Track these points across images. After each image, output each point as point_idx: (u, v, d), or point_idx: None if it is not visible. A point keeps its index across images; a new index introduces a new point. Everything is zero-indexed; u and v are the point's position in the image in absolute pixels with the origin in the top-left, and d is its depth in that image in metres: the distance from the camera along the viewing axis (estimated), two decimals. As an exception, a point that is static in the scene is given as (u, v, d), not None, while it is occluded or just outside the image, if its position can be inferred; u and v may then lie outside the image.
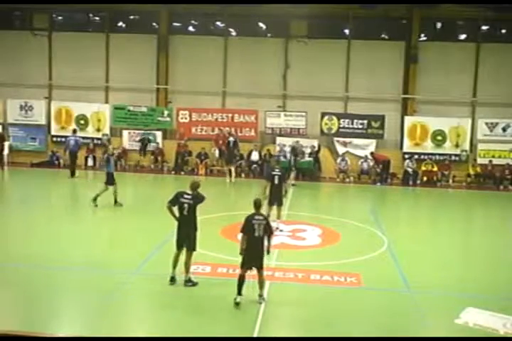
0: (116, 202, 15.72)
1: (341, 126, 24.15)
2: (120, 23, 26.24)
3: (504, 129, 23.51)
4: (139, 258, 11.00)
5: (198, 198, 9.66)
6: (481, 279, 10.57)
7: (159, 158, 24.37)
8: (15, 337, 7.26)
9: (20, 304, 8.73)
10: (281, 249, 11.97)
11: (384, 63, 24.40)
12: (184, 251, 9.60)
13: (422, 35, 24.66)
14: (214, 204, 16.89)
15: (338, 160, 23.29)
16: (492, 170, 23.05)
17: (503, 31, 24.81)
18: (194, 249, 9.61)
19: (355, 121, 24.13)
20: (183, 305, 8.87)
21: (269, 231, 9.08)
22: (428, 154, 23.71)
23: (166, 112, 24.97)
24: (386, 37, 25.35)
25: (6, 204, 16.76)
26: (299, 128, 24.29)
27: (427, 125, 23.79)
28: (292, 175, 20.89)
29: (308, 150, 23.19)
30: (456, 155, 23.61)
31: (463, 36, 25.12)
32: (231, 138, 23.38)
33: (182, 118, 24.74)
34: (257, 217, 9.06)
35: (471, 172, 23.09)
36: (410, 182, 22.65)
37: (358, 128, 24.06)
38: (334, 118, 24.22)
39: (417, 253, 12.32)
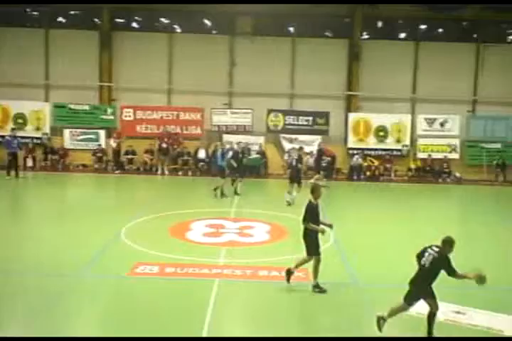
0: None
1: (287, 122, 24.43)
2: (60, 19, 25.56)
3: (442, 124, 24.37)
4: (83, 260, 10.77)
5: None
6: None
7: (104, 158, 23.98)
8: (15, 337, 7.39)
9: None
10: (229, 246, 12.02)
11: (328, 61, 24.81)
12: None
13: (365, 33, 25.20)
14: (162, 203, 16.89)
15: (285, 156, 23.50)
16: (431, 163, 23.88)
17: (440, 30, 25.63)
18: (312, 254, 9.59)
19: (301, 117, 24.46)
20: (131, 306, 8.77)
21: None
22: (371, 149, 24.31)
23: (109, 110, 24.55)
24: (330, 35, 25.75)
25: None
26: (245, 126, 24.41)
27: (370, 121, 24.39)
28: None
29: (254, 147, 23.32)
30: (397, 150, 24.31)
31: (403, 35, 25.82)
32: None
33: (126, 116, 24.40)
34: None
35: (412, 166, 23.87)
36: (355, 177, 23.17)
37: (304, 125, 24.40)
38: (280, 115, 24.46)
39: (363, 246, 12.60)
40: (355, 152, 24.02)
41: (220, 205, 16.80)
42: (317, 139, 24.15)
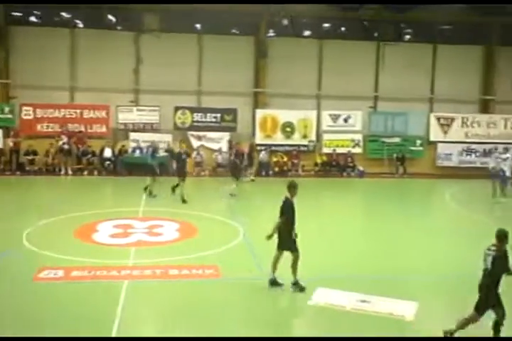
0: None
1: (195, 119, 24.33)
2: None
3: (345, 120, 25.25)
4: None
5: None
6: (329, 260, 11.23)
7: (2, 158, 22.74)
8: (15, 337, 7.09)
9: None
10: (138, 246, 11.79)
11: (235, 58, 24.95)
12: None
13: (271, 31, 25.54)
14: (66, 205, 16.24)
15: (193, 154, 23.39)
16: (336, 158, 24.69)
17: (343, 29, 26.49)
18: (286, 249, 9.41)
19: (209, 114, 24.45)
20: (36, 312, 8.39)
21: None
22: (279, 145, 24.73)
23: (6, 108, 23.29)
24: (237, 32, 25.87)
25: None
26: (152, 123, 24.04)
27: (277, 117, 24.81)
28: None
29: (162, 146, 23.01)
30: (304, 145, 24.91)
31: (308, 33, 26.43)
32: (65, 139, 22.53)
33: (26, 114, 23.26)
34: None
35: (318, 161, 24.58)
36: (263, 173, 23.49)
37: (212, 122, 24.41)
38: (188, 112, 24.32)
39: (272, 241, 12.75)
40: (262, 148, 24.34)
41: (128, 205, 16.43)
42: (226, 136, 24.24)
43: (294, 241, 9.35)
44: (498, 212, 17.83)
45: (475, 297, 9.84)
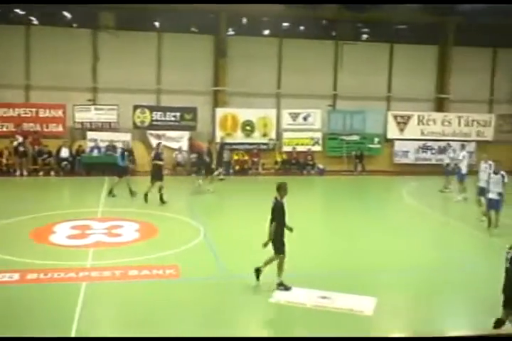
0: None
1: (154, 118, 24.09)
2: None
3: (305, 118, 25.45)
4: None
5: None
6: (289, 258, 11.26)
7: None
8: (15, 338, 6.95)
9: None
10: (96, 247, 11.62)
11: (195, 56, 24.80)
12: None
13: (230, 29, 25.49)
14: (21, 206, 15.81)
15: (153, 153, 23.07)
16: (296, 156, 24.87)
17: (302, 28, 26.66)
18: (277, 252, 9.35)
19: (168, 113, 24.25)
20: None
21: None
22: (239, 144, 24.73)
23: (-44, 108, 22.57)
24: (196, 30, 25.72)
25: None
26: (110, 122, 23.68)
27: (237, 116, 24.79)
28: None
29: (120, 145, 22.70)
30: (264, 144, 24.98)
31: (267, 31, 26.49)
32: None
33: (-23, 114, 22.59)
34: None
35: (278, 159, 24.70)
36: (224, 172, 23.40)
37: (171, 121, 24.22)
38: (147, 111, 24.06)
39: (232, 240, 12.78)
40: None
41: (87, 205, 16.18)
42: (185, 135, 24.10)
43: (283, 243, 9.37)
44: (452, 208, 18.29)
45: (432, 291, 10.08)
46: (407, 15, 24.59)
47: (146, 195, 16.24)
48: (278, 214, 9.31)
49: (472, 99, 26.98)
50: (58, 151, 22.54)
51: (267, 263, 9.47)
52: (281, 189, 9.44)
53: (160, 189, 16.36)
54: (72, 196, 19.81)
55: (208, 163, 19.13)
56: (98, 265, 10.49)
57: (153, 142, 23.78)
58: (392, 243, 12.89)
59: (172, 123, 24.20)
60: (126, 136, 23.10)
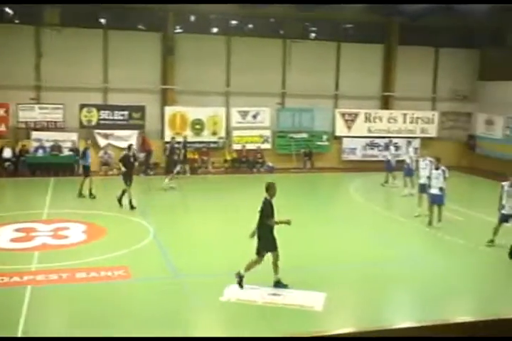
0: None
1: (101, 117, 23.62)
2: None
3: (254, 116, 25.52)
4: None
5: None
6: (239, 256, 11.23)
7: None
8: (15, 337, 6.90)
9: None
10: (42, 250, 11.33)
11: (142, 54, 24.42)
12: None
13: (178, 27, 25.25)
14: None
15: (101, 153, 22.70)
16: (246, 154, 24.92)
17: (251, 26, 26.71)
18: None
19: (116, 112, 23.82)
20: None
21: None
22: (188, 142, 24.48)
23: None
24: (143, 28, 25.35)
25: None
26: (56, 122, 23.07)
27: (186, 114, 24.60)
28: None
29: (67, 145, 22.24)
30: (214, 142, 24.90)
31: (215, 29, 26.39)
32: None
33: None
34: None
35: (228, 157, 24.68)
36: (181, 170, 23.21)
37: (119, 120, 23.81)
38: (94, 109, 23.57)
39: (182, 239, 12.73)
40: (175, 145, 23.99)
41: (31, 207, 15.73)
42: (134, 134, 23.75)
43: (275, 241, 9.42)
44: (396, 203, 18.75)
45: (379, 285, 10.33)
46: (353, 14, 24.96)
47: (130, 201, 15.71)
48: (269, 212, 9.39)
49: (416, 97, 27.71)
50: (0, 151, 21.82)
51: (249, 267, 9.37)
52: (270, 189, 9.59)
53: (124, 192, 15.99)
54: (15, 197, 19.24)
55: (173, 160, 19.57)
56: (44, 268, 10.23)
57: (101, 142, 23.44)
58: (340, 237, 13.14)
59: (120, 122, 23.78)
60: (73, 136, 22.62)
